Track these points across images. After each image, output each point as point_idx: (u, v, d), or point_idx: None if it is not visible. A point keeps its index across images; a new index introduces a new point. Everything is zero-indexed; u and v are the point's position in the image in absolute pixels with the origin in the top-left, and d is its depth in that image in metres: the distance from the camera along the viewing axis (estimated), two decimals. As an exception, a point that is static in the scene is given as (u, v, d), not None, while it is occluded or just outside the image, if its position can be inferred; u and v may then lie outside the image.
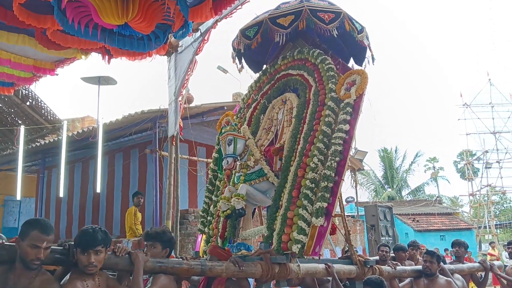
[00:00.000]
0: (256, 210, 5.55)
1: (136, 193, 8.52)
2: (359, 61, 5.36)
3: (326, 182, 4.06)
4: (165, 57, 6.53)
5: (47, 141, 10.75)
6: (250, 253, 4.19)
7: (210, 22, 5.44)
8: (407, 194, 37.31)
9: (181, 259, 3.47)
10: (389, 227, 12.33)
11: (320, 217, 3.92)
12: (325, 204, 3.97)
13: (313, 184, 4.12)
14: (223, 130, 4.66)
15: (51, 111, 11.48)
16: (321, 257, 4.19)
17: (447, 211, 27.78)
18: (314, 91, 4.85)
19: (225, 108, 9.66)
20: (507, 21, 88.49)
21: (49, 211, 11.84)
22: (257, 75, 5.78)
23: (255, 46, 5.10)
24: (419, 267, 4.98)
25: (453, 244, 5.96)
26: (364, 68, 5.19)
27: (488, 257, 16.90)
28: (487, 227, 28.06)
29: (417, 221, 25.49)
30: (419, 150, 38.78)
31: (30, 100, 11.08)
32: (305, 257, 3.97)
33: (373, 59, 5.17)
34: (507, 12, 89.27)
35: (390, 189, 35.51)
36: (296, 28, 4.83)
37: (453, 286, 4.66)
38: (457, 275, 5.29)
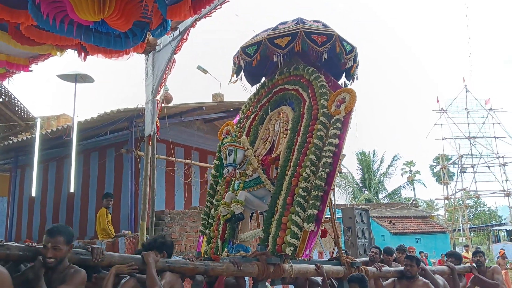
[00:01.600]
0: (254, 214, 5.91)
1: (105, 195, 8.31)
2: (350, 78, 5.79)
3: (317, 191, 4.52)
4: (143, 55, 6.43)
5: (20, 139, 10.47)
6: (248, 254, 4.57)
7: (189, 21, 5.36)
8: (384, 197, 37.79)
9: (187, 260, 3.90)
10: (366, 230, 12.41)
11: (311, 223, 4.37)
12: (315, 211, 4.42)
13: (305, 193, 4.57)
14: (224, 141, 5.13)
15: (25, 109, 11.23)
16: (311, 259, 4.59)
17: (423, 214, 28.21)
18: (308, 106, 5.29)
19: (204, 108, 9.56)
20: (483, 28, 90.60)
21: (22, 211, 11.54)
22: (254, 87, 6.23)
23: (255, 63, 5.53)
24: (402, 268, 5.35)
25: (447, 255, 6.43)
26: (351, 84, 5.77)
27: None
28: (461, 230, 28.56)
29: (393, 223, 25.79)
30: (396, 153, 39.30)
31: (3, 97, 10.81)
32: (297, 258, 4.38)
33: (357, 78, 5.71)
34: (484, 20, 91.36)
35: (367, 192, 35.91)
36: (293, 48, 5.25)
37: (430, 287, 5.03)
38: (437, 275, 5.60)
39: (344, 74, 5.87)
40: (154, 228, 6.29)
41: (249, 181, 4.99)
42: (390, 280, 5.32)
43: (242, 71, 5.94)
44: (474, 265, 6.21)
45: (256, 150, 5.43)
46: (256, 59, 5.44)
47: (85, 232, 9.68)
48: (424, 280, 5.12)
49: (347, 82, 5.85)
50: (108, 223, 7.99)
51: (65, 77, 8.57)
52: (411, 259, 5.14)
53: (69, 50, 4.97)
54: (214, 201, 5.70)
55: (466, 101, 29.80)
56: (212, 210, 5.62)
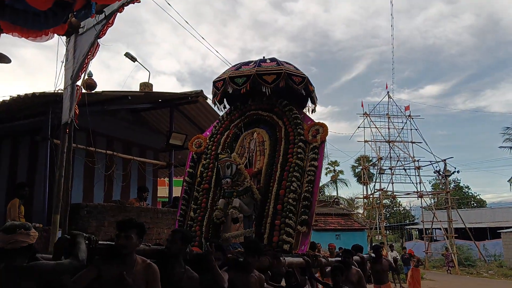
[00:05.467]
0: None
1: (20, 184, 7.74)
2: (301, 107, 6.99)
3: (306, 201, 5.83)
4: (64, 37, 5.99)
5: None
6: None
7: (116, 5, 5.07)
8: (308, 195, 38.55)
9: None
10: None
11: (304, 226, 5.70)
12: (306, 217, 5.73)
13: (295, 202, 5.86)
14: (220, 156, 6.17)
15: None
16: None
17: (343, 212, 29.30)
18: (285, 132, 6.58)
19: (129, 98, 9.15)
20: (406, 33, 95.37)
21: None
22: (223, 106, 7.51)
23: (243, 91, 6.58)
24: (339, 259, 6.62)
25: (353, 249, 7.56)
26: (303, 109, 7.00)
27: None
28: (378, 228, 29.96)
29: (316, 220, 26.54)
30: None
31: None
32: (293, 253, 5.53)
33: (314, 110, 6.99)
34: (407, 26, 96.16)
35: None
36: (277, 84, 6.44)
37: (360, 274, 6.39)
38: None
39: (295, 102, 6.98)
40: (67, 221, 5.90)
41: (240, 190, 5.97)
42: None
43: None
44: (373, 255, 8.63)
45: None
46: (245, 88, 6.54)
47: (-8, 224, 8.94)
48: (357, 268, 6.54)
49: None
50: (20, 215, 7.42)
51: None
52: (348, 252, 6.60)
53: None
54: (192, 205, 6.69)
55: (388, 107, 31.36)
56: (192, 213, 6.59)
